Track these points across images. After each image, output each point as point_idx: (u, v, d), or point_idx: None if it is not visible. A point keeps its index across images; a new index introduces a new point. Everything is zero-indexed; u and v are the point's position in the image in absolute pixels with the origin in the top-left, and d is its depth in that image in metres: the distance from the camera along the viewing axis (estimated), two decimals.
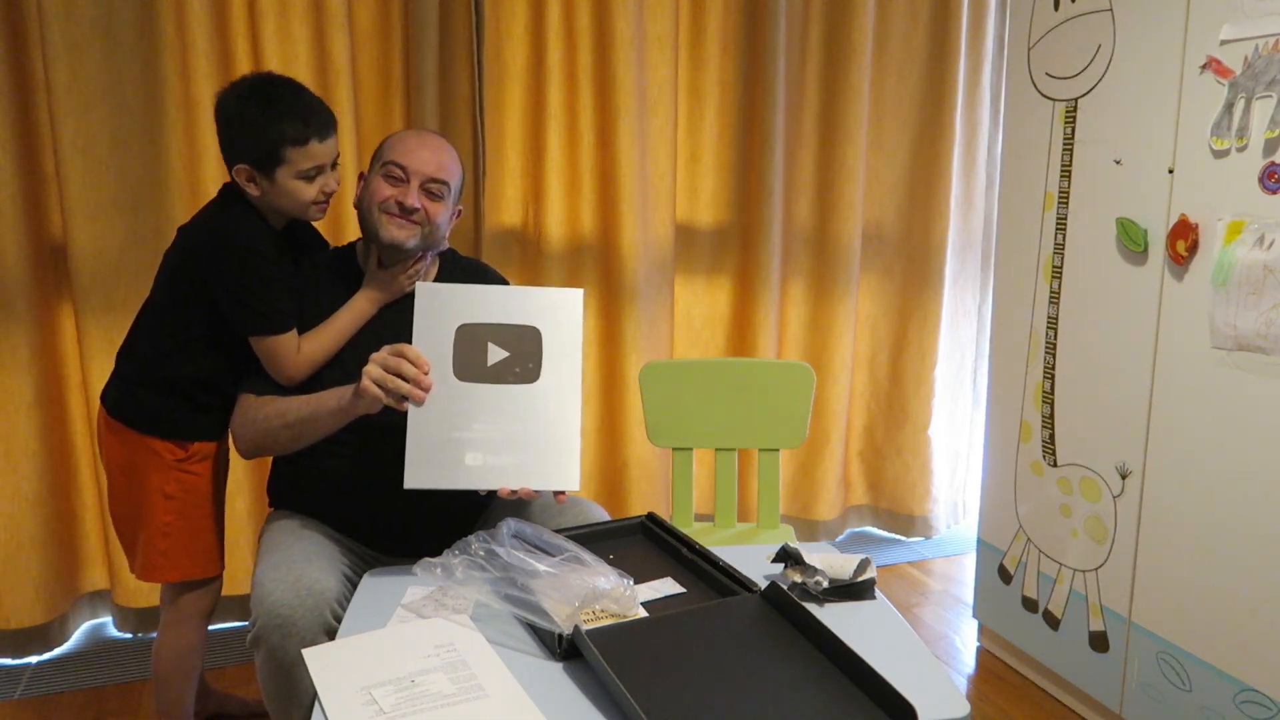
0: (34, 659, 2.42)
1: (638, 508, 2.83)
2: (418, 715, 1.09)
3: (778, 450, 2.16)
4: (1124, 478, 2.01)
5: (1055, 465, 2.20)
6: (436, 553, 1.36)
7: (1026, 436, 2.28)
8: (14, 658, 2.40)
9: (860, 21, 2.85)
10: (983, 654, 2.52)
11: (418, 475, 1.50)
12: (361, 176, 1.76)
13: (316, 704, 1.13)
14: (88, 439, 2.45)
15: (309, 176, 1.65)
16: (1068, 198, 2.12)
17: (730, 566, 1.41)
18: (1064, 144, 2.12)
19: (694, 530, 2.16)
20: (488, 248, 2.64)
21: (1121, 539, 2.03)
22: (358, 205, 1.73)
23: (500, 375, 1.54)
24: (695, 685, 1.12)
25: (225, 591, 2.40)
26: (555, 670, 1.20)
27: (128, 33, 2.27)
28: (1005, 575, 2.38)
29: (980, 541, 2.47)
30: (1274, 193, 1.66)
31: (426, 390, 1.49)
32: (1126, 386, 1.99)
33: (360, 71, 2.49)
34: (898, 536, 3.28)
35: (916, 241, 3.10)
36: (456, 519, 1.74)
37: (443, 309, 1.54)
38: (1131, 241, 1.96)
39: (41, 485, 2.36)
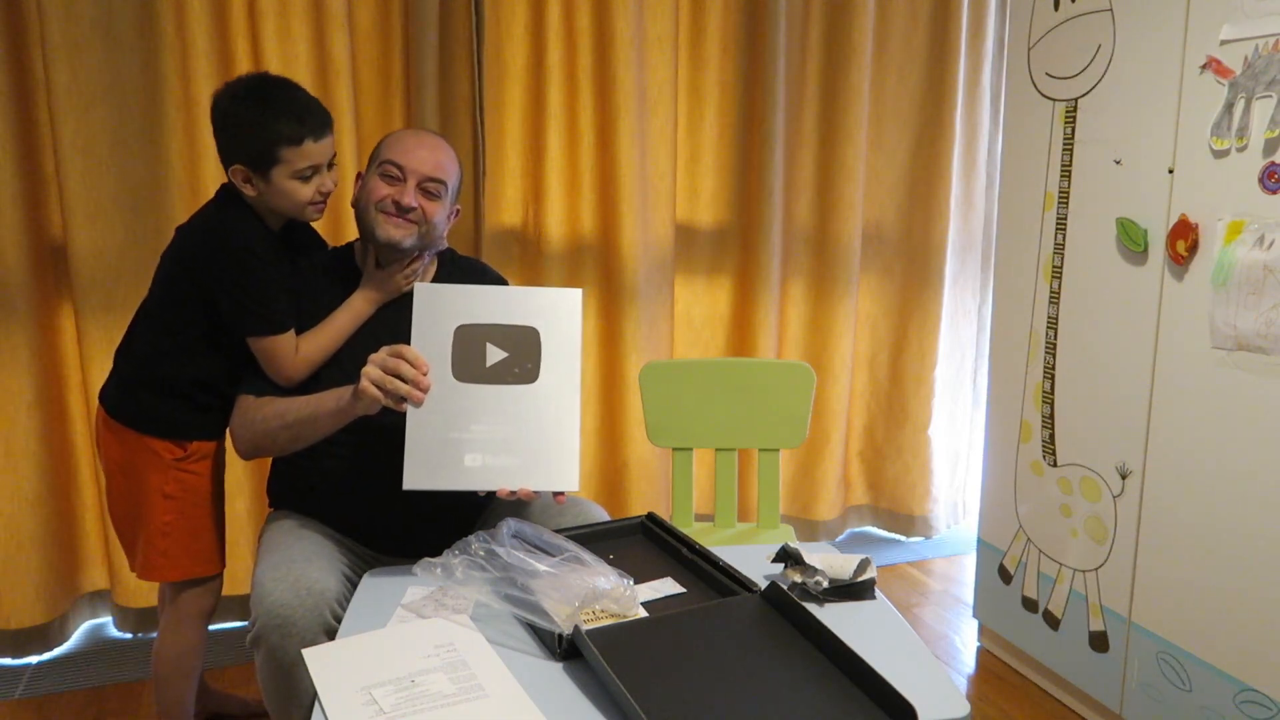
0: (34, 659, 2.42)
1: (638, 508, 2.83)
2: (418, 715, 1.09)
3: (778, 450, 2.16)
4: (1124, 478, 2.01)
5: (1055, 465, 2.20)
6: (436, 553, 1.36)
7: (1026, 436, 2.28)
8: (14, 658, 2.41)
9: (860, 21, 2.85)
10: (983, 654, 2.52)
11: (417, 476, 1.50)
12: (360, 176, 1.76)
13: (316, 704, 1.13)
14: (88, 439, 2.45)
15: (305, 176, 1.64)
16: (1068, 198, 2.12)
17: (730, 566, 1.41)
18: (1064, 144, 2.12)
19: (694, 530, 2.16)
20: (488, 248, 2.64)
21: (1121, 539, 2.03)
22: (355, 205, 1.73)
23: (499, 376, 1.53)
24: (695, 685, 1.12)
25: (225, 591, 2.40)
26: (555, 670, 1.20)
27: (128, 33, 2.27)
28: (1005, 575, 2.38)
29: (980, 541, 2.47)
30: (1274, 193, 1.66)
31: (425, 391, 1.49)
32: (1126, 386, 1.99)
33: (360, 71, 2.49)
34: (898, 536, 3.28)
35: (916, 241, 3.10)
36: (456, 519, 1.74)
37: (441, 309, 1.54)
38: (1131, 241, 1.96)
39: (41, 485, 2.36)
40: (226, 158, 1.65)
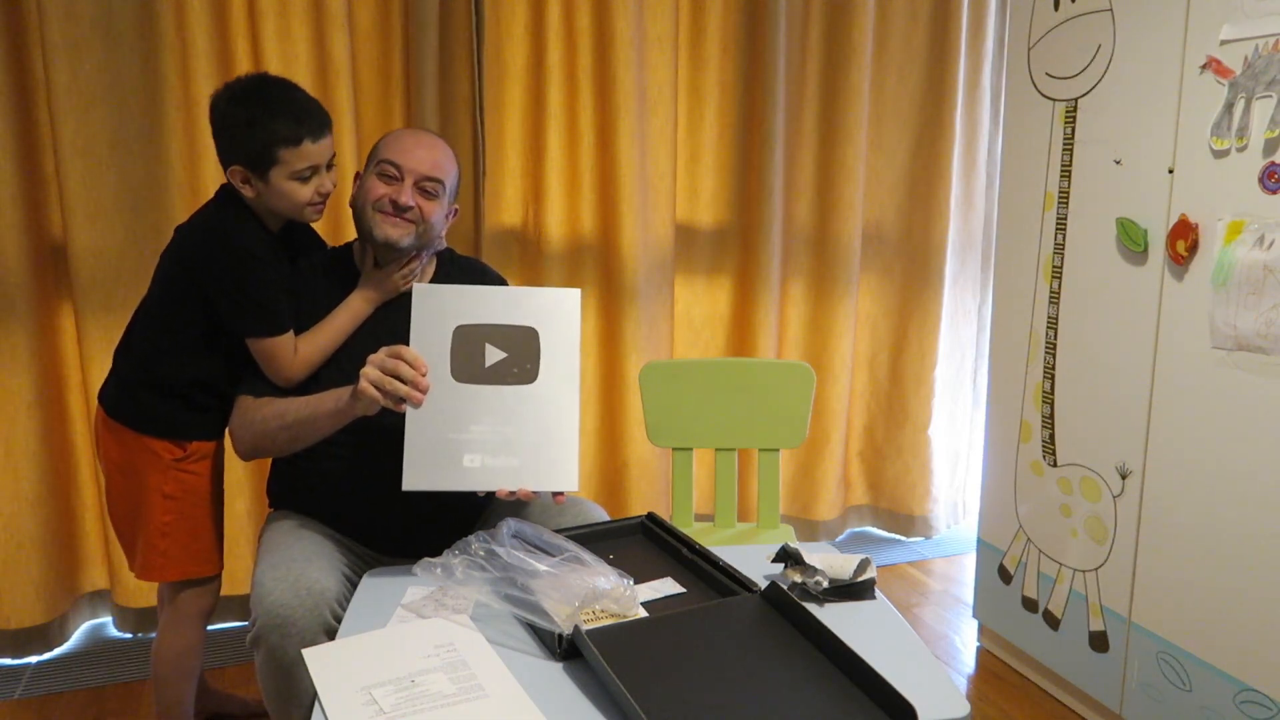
0: (34, 659, 2.42)
1: (638, 508, 2.83)
2: (418, 715, 1.09)
3: (778, 450, 2.16)
4: (1124, 478, 2.01)
5: (1055, 465, 2.20)
6: (436, 553, 1.36)
7: (1026, 436, 2.28)
8: (14, 658, 2.41)
9: (860, 21, 2.85)
10: (983, 654, 2.52)
11: (416, 477, 1.50)
12: (358, 176, 1.76)
13: (316, 704, 1.13)
14: (88, 439, 2.45)
15: (303, 177, 1.64)
16: (1068, 198, 2.12)
17: (730, 566, 1.41)
18: (1064, 144, 2.12)
19: (694, 530, 2.16)
20: (488, 248, 2.64)
21: (1121, 539, 2.03)
22: (353, 204, 1.73)
23: (498, 376, 1.53)
24: (695, 685, 1.12)
25: (225, 591, 2.40)
26: (555, 670, 1.20)
27: (128, 33, 2.27)
28: (1005, 575, 2.38)
29: (980, 541, 2.47)
30: (1274, 193, 1.66)
31: (424, 392, 1.49)
32: (1126, 386, 1.99)
33: (360, 71, 2.49)
34: (898, 536, 3.28)
35: (916, 241, 3.10)
36: (456, 520, 1.74)
37: (440, 310, 1.54)
38: (1131, 241, 1.96)
39: (41, 485, 2.36)
40: (225, 159, 1.65)
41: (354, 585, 1.61)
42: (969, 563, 3.02)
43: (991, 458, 2.41)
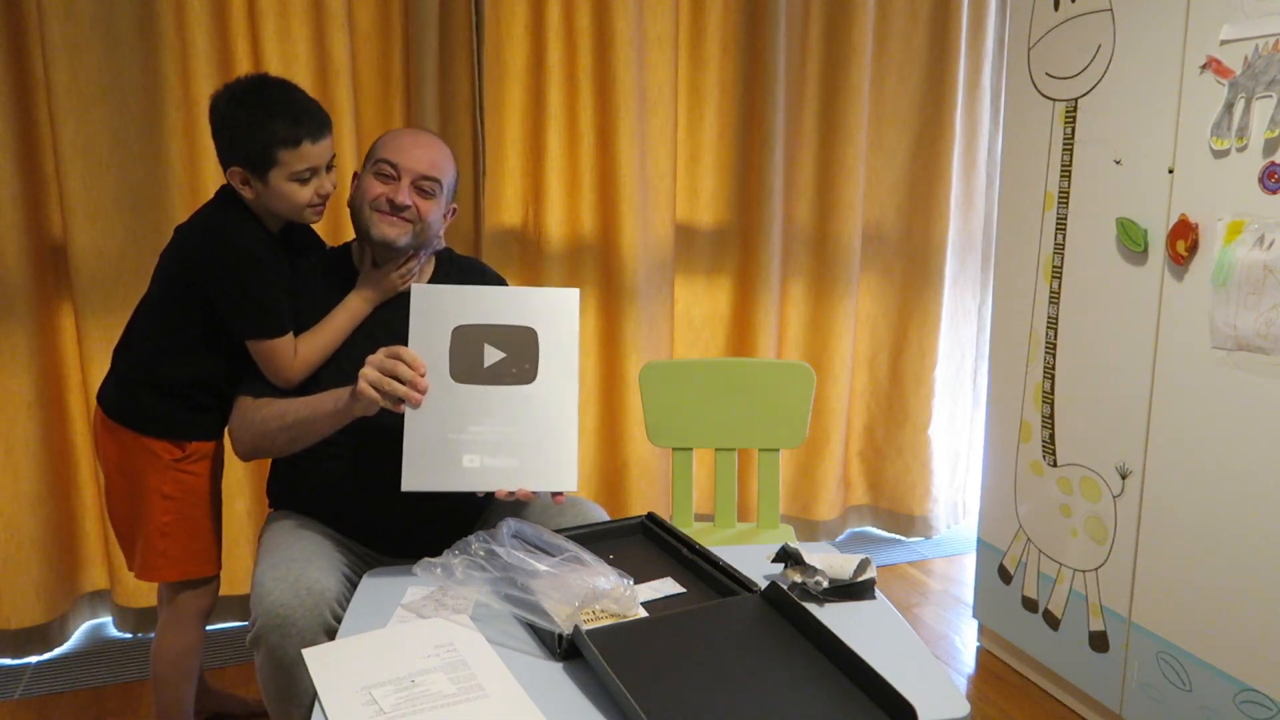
0: (34, 659, 2.42)
1: (638, 508, 2.83)
2: (418, 715, 1.09)
3: (778, 450, 2.16)
4: (1124, 478, 2.01)
5: (1055, 465, 2.20)
6: (436, 553, 1.36)
7: (1026, 436, 2.28)
8: (14, 658, 2.41)
9: (860, 21, 2.85)
10: (983, 654, 2.52)
11: (415, 478, 1.50)
12: (356, 175, 1.76)
13: (316, 704, 1.13)
14: (88, 439, 2.45)
15: (303, 179, 1.63)
16: (1068, 198, 2.12)
17: (730, 566, 1.41)
18: (1064, 144, 2.12)
19: (694, 530, 2.16)
20: (488, 248, 2.64)
21: (1121, 539, 2.03)
22: (350, 204, 1.73)
23: (497, 376, 1.53)
24: (695, 685, 1.12)
25: (225, 591, 2.40)
26: (555, 670, 1.20)
27: (128, 33, 2.27)
28: (1005, 575, 2.38)
29: (980, 541, 2.47)
30: (1274, 193, 1.66)
31: (423, 392, 1.49)
32: (1126, 386, 1.99)
33: (360, 71, 2.49)
34: (898, 536, 3.28)
35: (916, 241, 3.10)
36: (456, 520, 1.74)
37: (438, 310, 1.54)
38: (1131, 241, 1.96)
39: (41, 485, 2.36)
40: (225, 160, 1.65)
41: (354, 585, 1.61)
42: (969, 563, 3.01)
43: (991, 458, 2.41)
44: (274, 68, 2.35)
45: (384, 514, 1.70)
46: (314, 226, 1.90)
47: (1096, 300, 2.06)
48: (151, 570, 1.78)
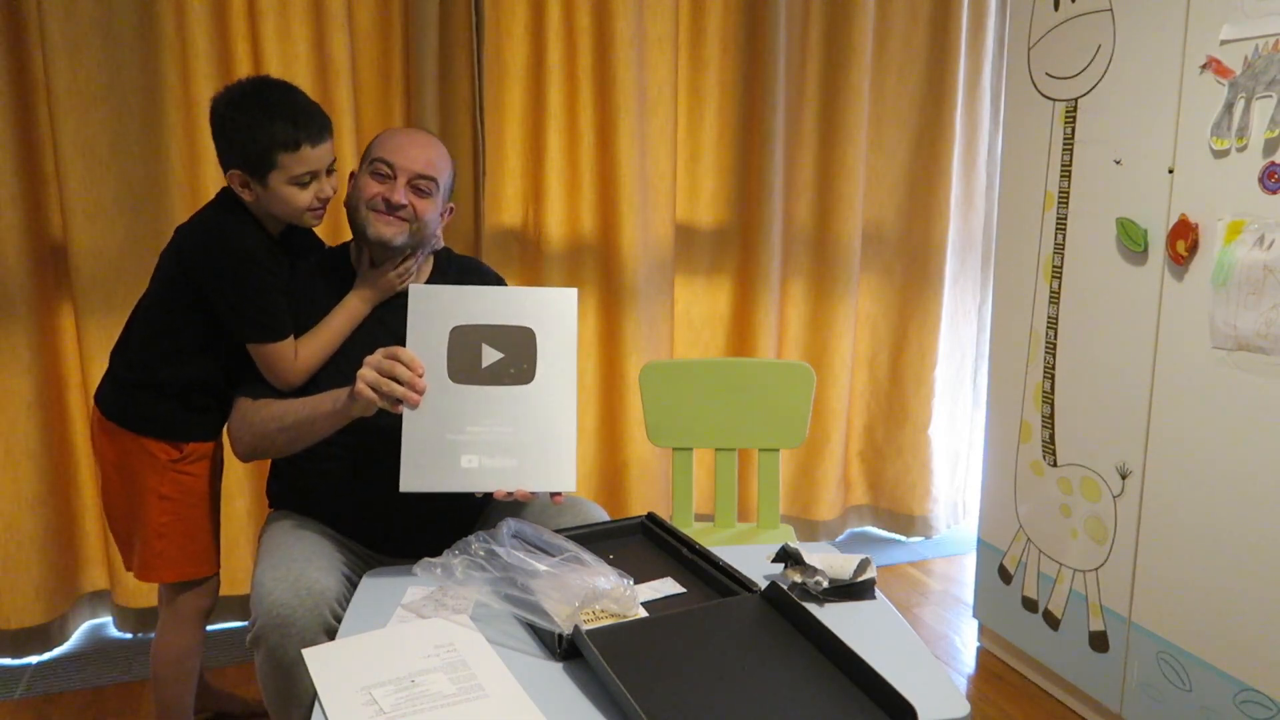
0: (34, 659, 2.42)
1: (638, 508, 2.83)
2: (418, 715, 1.09)
3: (778, 450, 2.16)
4: (1124, 478, 2.01)
5: (1055, 465, 2.20)
6: (436, 553, 1.36)
7: (1026, 436, 2.28)
8: (14, 658, 2.41)
9: (860, 21, 2.85)
10: (983, 654, 2.52)
11: (413, 478, 1.50)
12: (353, 175, 1.76)
13: (316, 704, 1.13)
14: (88, 439, 2.45)
15: (302, 182, 1.63)
16: (1068, 198, 2.12)
17: (730, 566, 1.41)
18: (1064, 144, 2.12)
19: (694, 530, 2.16)
20: (488, 248, 2.64)
21: (1121, 539, 2.02)
22: (347, 203, 1.72)
23: (495, 377, 1.53)
24: (695, 685, 1.12)
25: (225, 591, 2.40)
26: (555, 670, 1.20)
27: (128, 33, 2.27)
28: (1005, 575, 2.38)
29: (980, 541, 2.47)
30: (1274, 193, 1.66)
31: (421, 393, 1.49)
32: (1126, 386, 1.99)
33: (360, 71, 2.49)
34: (898, 536, 3.28)
35: (916, 241, 3.10)
36: (455, 520, 1.74)
37: (436, 311, 1.53)
38: (1131, 241, 1.96)
39: (41, 485, 2.36)
40: (224, 162, 1.64)
41: (354, 585, 1.61)
42: (969, 563, 3.02)
43: (991, 458, 2.41)
44: (274, 68, 2.35)
45: (383, 514, 1.70)
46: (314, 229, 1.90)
47: (1096, 300, 2.06)
48: (149, 571, 1.78)
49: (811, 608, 1.27)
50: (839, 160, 2.92)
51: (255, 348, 1.65)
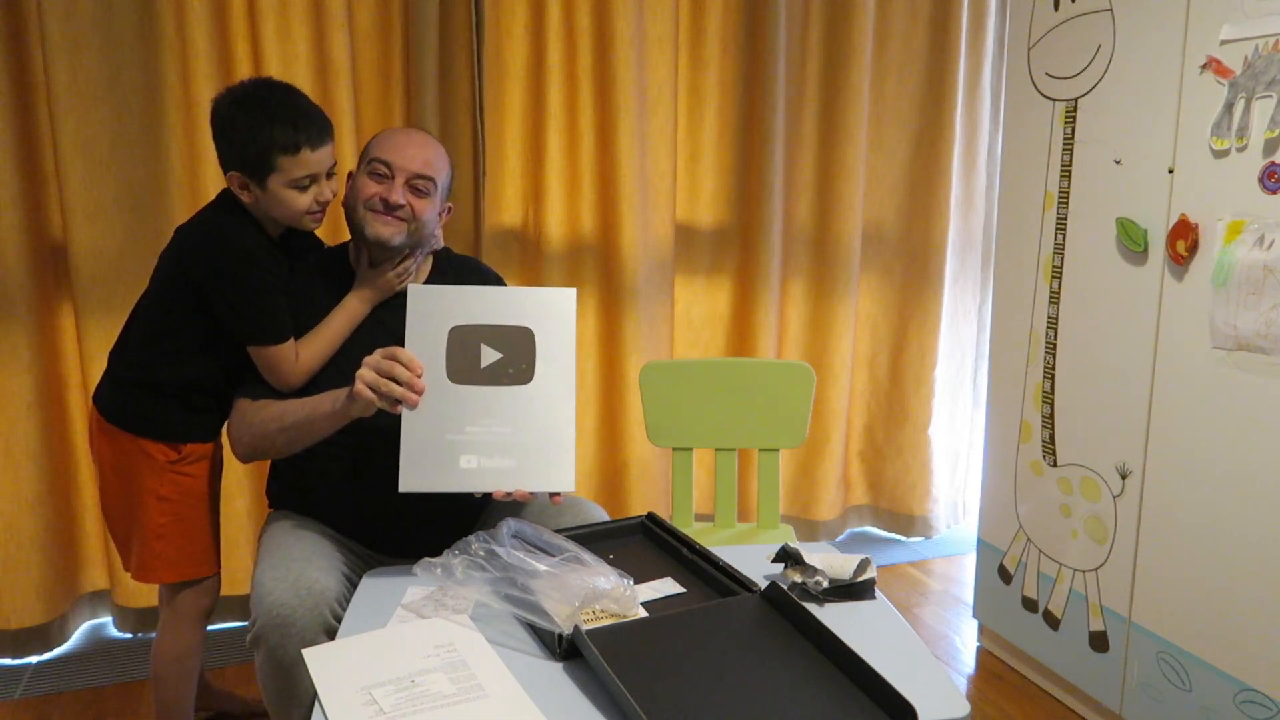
0: (34, 659, 2.42)
1: (638, 508, 2.83)
2: (418, 715, 1.09)
3: (778, 450, 2.16)
4: (1124, 478, 2.01)
5: (1055, 465, 2.20)
6: (436, 553, 1.36)
7: (1026, 436, 2.28)
8: (14, 658, 2.41)
9: (860, 21, 2.85)
10: (983, 654, 2.52)
11: (412, 479, 1.50)
12: (351, 175, 1.76)
13: (316, 704, 1.13)
14: (88, 439, 2.45)
15: (301, 186, 1.62)
16: (1068, 198, 2.12)
17: (730, 566, 1.41)
18: (1064, 144, 2.12)
19: (694, 530, 2.16)
20: (488, 248, 2.64)
21: (1121, 539, 2.02)
22: (345, 204, 1.72)
23: (494, 377, 1.53)
24: (695, 685, 1.12)
25: (225, 591, 2.40)
26: (555, 670, 1.20)
27: (128, 33, 2.27)
28: (1005, 575, 2.38)
29: (980, 541, 2.47)
30: (1274, 193, 1.66)
31: (420, 393, 1.49)
32: (1126, 386, 1.99)
33: (360, 71, 2.49)
34: (898, 536, 3.28)
35: (916, 241, 3.10)
36: (455, 520, 1.74)
37: (435, 311, 1.53)
38: (1131, 241, 1.96)
39: (41, 485, 2.36)
40: (224, 163, 1.64)
41: (354, 585, 1.61)
42: (969, 563, 3.02)
43: (991, 458, 2.41)
44: (274, 68, 2.35)
45: (383, 514, 1.70)
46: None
47: (1096, 300, 2.06)
48: (147, 571, 1.78)
49: (811, 608, 1.27)
50: (839, 160, 2.92)
51: (256, 350, 1.65)
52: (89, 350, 2.35)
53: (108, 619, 2.58)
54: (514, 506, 1.75)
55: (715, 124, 2.85)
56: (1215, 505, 1.80)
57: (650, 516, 1.63)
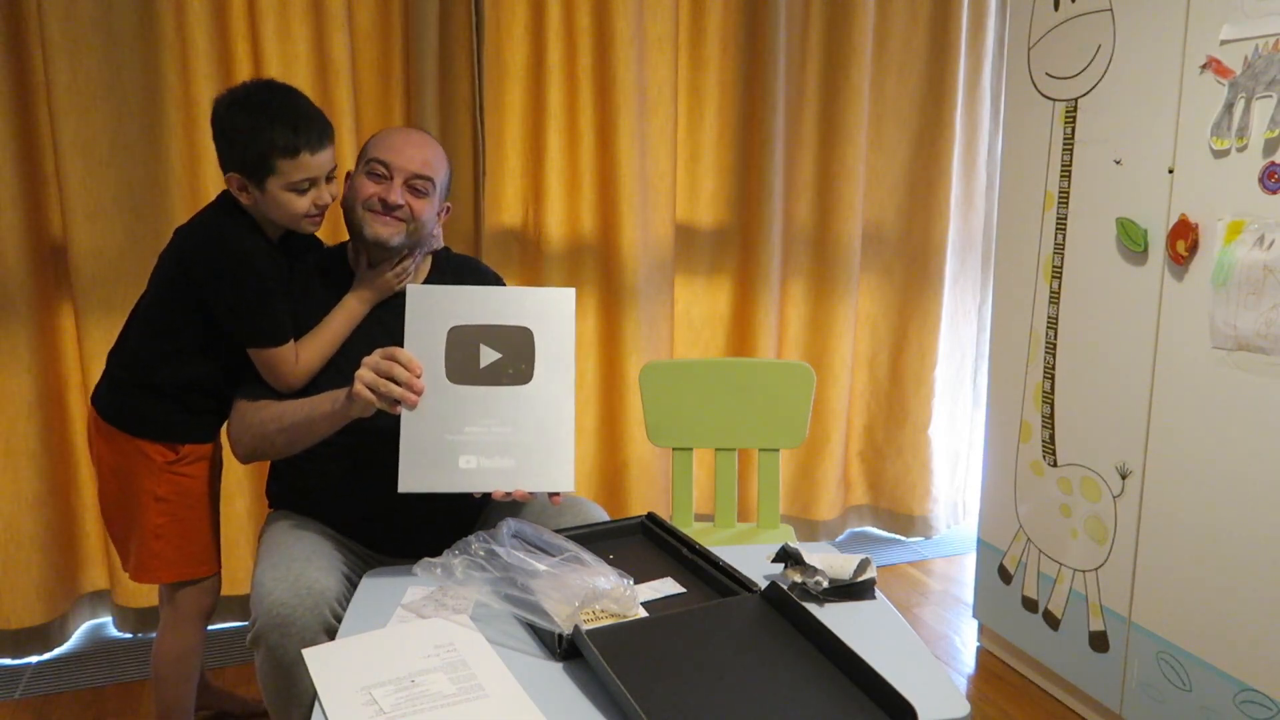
0: (34, 659, 2.42)
1: (638, 508, 2.83)
2: (418, 715, 1.09)
3: (778, 450, 2.16)
4: (1124, 478, 2.01)
5: (1055, 465, 2.20)
6: (436, 553, 1.36)
7: (1026, 436, 2.28)
8: (14, 658, 2.41)
9: (860, 21, 2.85)
10: (983, 654, 2.52)
11: (412, 479, 1.50)
12: (350, 176, 1.76)
13: (316, 704, 1.13)
14: (86, 440, 2.45)
15: (300, 189, 1.62)
16: (1068, 198, 2.12)
17: (730, 566, 1.41)
18: (1064, 144, 2.12)
19: (694, 530, 2.16)
20: (488, 248, 2.64)
21: (1121, 539, 2.02)
22: (344, 204, 1.72)
23: (493, 377, 1.53)
24: (695, 685, 1.12)
25: (225, 591, 2.41)
26: (555, 670, 1.20)
27: (128, 33, 2.27)
28: (1005, 575, 2.38)
29: (980, 541, 2.47)
30: (1274, 193, 1.66)
31: (419, 394, 1.48)
32: (1126, 386, 1.99)
33: (360, 72, 2.49)
34: (898, 536, 3.28)
35: (916, 241, 3.10)
36: (455, 520, 1.74)
37: (434, 311, 1.53)
38: (1131, 241, 1.96)
39: (41, 485, 2.36)
40: (224, 164, 1.63)
41: (354, 585, 1.61)
42: (969, 563, 3.02)
43: (991, 458, 2.41)
44: (274, 68, 2.34)
45: (383, 514, 1.70)
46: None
47: (1096, 300, 2.06)
48: (146, 572, 1.78)
49: (811, 608, 1.27)
50: (839, 160, 2.92)
51: (255, 352, 1.65)
52: (89, 350, 2.35)
53: (108, 619, 2.58)
54: (514, 507, 1.75)
55: (715, 124, 2.85)
56: (1215, 505, 1.80)
57: (650, 516, 1.63)
